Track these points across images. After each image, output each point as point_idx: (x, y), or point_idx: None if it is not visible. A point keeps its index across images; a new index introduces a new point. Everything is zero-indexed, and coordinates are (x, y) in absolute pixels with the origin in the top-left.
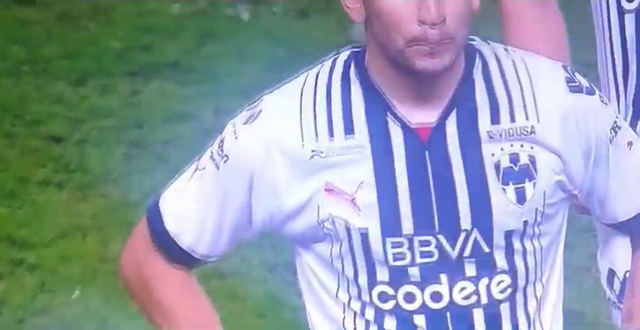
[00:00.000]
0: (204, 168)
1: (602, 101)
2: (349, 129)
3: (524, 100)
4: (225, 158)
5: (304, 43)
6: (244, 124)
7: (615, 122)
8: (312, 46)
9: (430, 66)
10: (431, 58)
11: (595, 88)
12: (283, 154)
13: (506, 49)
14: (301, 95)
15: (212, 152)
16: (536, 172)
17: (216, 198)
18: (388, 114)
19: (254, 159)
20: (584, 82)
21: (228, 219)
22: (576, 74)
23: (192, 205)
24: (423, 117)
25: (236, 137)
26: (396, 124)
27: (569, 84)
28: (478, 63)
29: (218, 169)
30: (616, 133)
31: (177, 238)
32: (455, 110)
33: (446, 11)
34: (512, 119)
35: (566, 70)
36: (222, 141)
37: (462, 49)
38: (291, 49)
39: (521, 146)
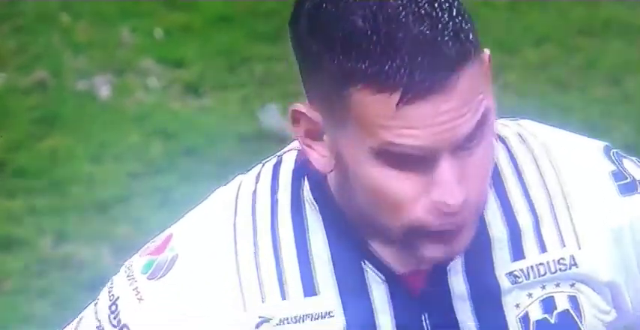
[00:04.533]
0: None
1: None
2: (309, 285)
3: (555, 218)
4: None
5: (194, 135)
6: (151, 278)
7: None
8: (206, 138)
9: (442, 254)
10: (443, 246)
11: None
12: (213, 324)
13: (520, 134)
14: (234, 230)
15: (99, 320)
16: (581, 319)
17: None
18: (365, 261)
19: None
20: (638, 173)
21: None
22: (624, 161)
23: None
24: (414, 261)
25: (139, 299)
26: (377, 274)
27: (619, 183)
28: None
29: None
30: None
31: None
32: None
33: (468, 179)
34: (543, 249)
35: (611, 158)
36: (114, 303)
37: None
38: (174, 142)
39: (557, 286)
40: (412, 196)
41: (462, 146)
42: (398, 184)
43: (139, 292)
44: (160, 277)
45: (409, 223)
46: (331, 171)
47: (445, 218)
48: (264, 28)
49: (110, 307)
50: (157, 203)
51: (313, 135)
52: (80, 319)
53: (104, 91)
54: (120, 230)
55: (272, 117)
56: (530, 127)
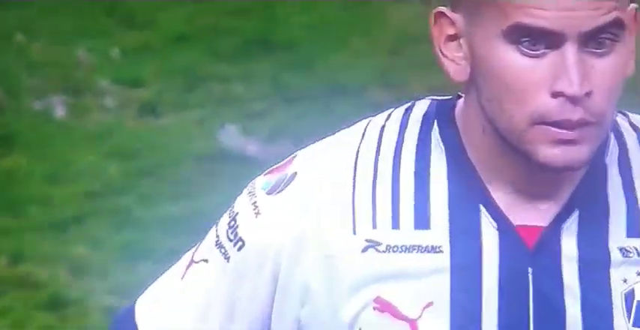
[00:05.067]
0: (204, 260)
1: None
2: (422, 219)
3: None
4: (240, 244)
5: (152, 155)
6: (269, 193)
7: None
8: (164, 158)
9: (560, 159)
10: (564, 148)
11: None
12: (324, 241)
13: None
14: (357, 156)
15: (218, 236)
16: None
17: (223, 304)
18: (482, 206)
19: (283, 247)
20: None
21: None
22: None
23: (185, 316)
24: (529, 216)
25: (257, 213)
26: (491, 222)
27: None
28: (613, 145)
29: (228, 261)
30: None
31: None
32: (577, 212)
33: (593, 81)
34: None
35: None
36: (234, 219)
37: (605, 136)
38: (132, 162)
39: None
40: (537, 84)
41: (589, 43)
42: (525, 70)
43: (256, 207)
44: (278, 191)
45: (532, 112)
46: (465, 79)
47: (566, 108)
48: (223, 47)
49: (229, 223)
50: (115, 223)
51: (451, 38)
52: (202, 239)
53: (60, 111)
54: (77, 250)
55: (231, 137)
56: None
